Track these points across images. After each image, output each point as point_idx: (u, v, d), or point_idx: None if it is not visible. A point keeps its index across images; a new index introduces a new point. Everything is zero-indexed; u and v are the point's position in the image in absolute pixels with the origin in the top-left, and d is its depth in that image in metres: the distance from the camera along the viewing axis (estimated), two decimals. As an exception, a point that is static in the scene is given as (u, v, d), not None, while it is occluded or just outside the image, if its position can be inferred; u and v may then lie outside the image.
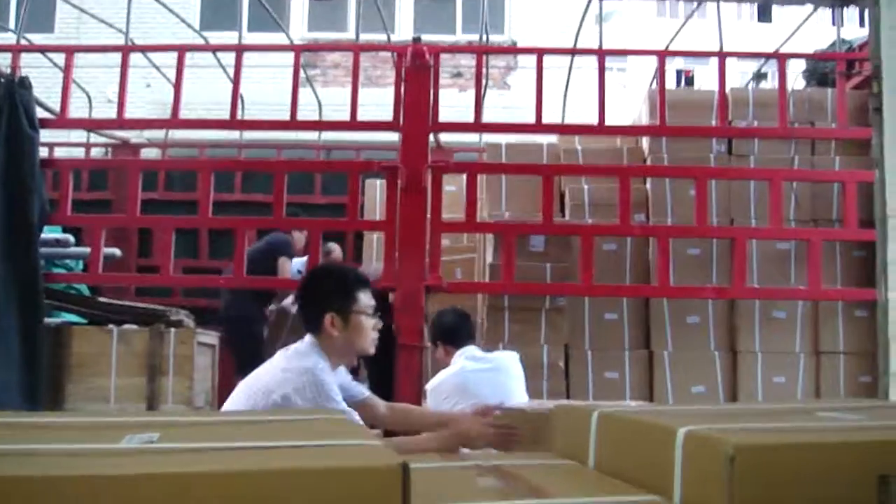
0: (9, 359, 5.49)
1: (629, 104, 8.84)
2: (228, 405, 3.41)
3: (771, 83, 10.42)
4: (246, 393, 3.33)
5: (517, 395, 4.76)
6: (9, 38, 7.69)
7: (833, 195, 6.31)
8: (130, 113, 6.45)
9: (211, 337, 6.22)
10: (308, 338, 3.44)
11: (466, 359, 4.91)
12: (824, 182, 6.31)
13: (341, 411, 3.15)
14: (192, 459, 1.34)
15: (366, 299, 3.52)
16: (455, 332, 5.09)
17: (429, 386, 4.94)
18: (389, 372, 5.63)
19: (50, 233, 6.36)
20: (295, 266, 7.75)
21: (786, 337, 6.19)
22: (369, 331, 3.51)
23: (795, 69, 7.54)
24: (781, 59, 6.26)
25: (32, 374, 5.59)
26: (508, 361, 4.99)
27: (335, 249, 8.20)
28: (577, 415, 2.13)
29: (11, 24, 10.41)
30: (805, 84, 7.55)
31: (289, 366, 3.29)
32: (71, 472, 1.21)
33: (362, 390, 3.80)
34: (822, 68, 7.45)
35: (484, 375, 4.81)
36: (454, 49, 12.25)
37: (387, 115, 5.91)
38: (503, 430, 3.32)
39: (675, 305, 6.20)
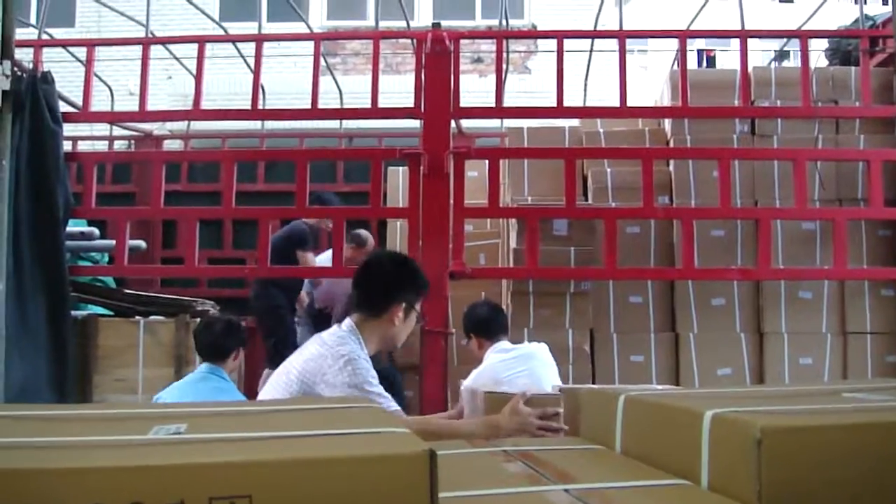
0: (37, 351, 5.54)
1: (650, 86, 8.80)
2: (261, 396, 3.42)
3: (794, 62, 10.35)
4: (274, 383, 3.34)
5: (549, 381, 4.76)
6: (30, 34, 7.72)
7: (858, 174, 6.26)
8: (152, 105, 6.47)
9: (236, 327, 6.24)
10: (348, 322, 3.43)
11: (496, 352, 4.95)
12: (849, 161, 6.26)
13: (377, 394, 3.16)
14: (220, 449, 1.34)
15: (420, 304, 3.58)
16: (488, 325, 5.10)
17: (464, 385, 4.95)
18: None
19: (75, 226, 6.40)
20: (321, 261, 7.65)
21: (812, 317, 6.17)
22: (409, 332, 3.57)
23: (818, 47, 7.48)
24: (804, 37, 6.20)
25: (60, 367, 5.63)
26: (537, 350, 5.00)
27: (370, 240, 8.04)
28: (604, 399, 2.12)
29: (32, 20, 10.46)
30: (828, 62, 7.48)
31: (322, 352, 3.28)
32: (100, 464, 1.22)
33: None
34: (845, 46, 7.37)
35: (513, 363, 4.85)
36: (474, 35, 12.20)
37: (408, 101, 5.90)
38: (546, 419, 3.01)
39: (700, 287, 6.18)
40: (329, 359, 3.22)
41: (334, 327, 3.48)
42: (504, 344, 5.03)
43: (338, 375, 3.17)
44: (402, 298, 3.42)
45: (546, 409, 2.90)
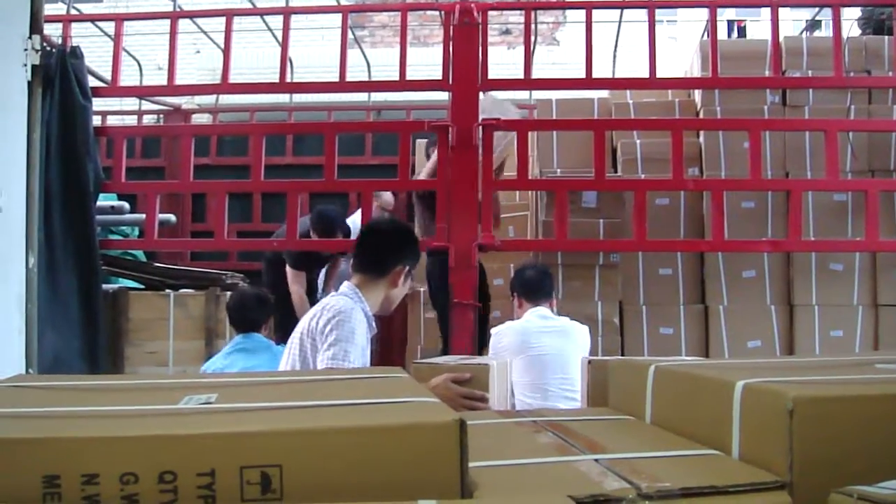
0: (69, 325, 5.59)
1: (680, 57, 8.72)
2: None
3: (825, 32, 10.23)
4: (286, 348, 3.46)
5: (575, 362, 4.75)
6: (59, 9, 7.74)
7: (891, 145, 6.19)
8: (180, 79, 6.48)
9: (266, 299, 6.27)
10: (349, 284, 3.51)
11: (536, 317, 5.04)
12: (881, 132, 6.19)
13: (344, 351, 3.21)
14: (251, 419, 1.35)
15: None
16: (529, 288, 5.20)
17: (494, 329, 5.05)
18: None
19: (105, 200, 6.43)
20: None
21: (843, 289, 6.11)
22: (401, 297, 3.68)
23: (850, 16, 7.39)
24: (836, 6, 6.11)
25: (92, 340, 5.69)
26: (575, 330, 5.07)
27: (383, 193, 7.69)
28: (634, 369, 2.12)
29: (61, -6, 10.48)
30: (861, 31, 7.38)
31: (317, 311, 3.37)
32: (131, 433, 1.23)
33: None
34: (878, 15, 7.27)
35: (546, 333, 4.95)
36: (502, 6, 12.08)
37: (436, 74, 5.89)
38: (472, 399, 2.97)
39: (731, 259, 6.14)
40: (325, 314, 3.31)
41: (334, 291, 3.60)
42: (544, 310, 5.11)
43: (317, 330, 3.27)
44: (404, 262, 3.53)
45: (474, 392, 2.94)
